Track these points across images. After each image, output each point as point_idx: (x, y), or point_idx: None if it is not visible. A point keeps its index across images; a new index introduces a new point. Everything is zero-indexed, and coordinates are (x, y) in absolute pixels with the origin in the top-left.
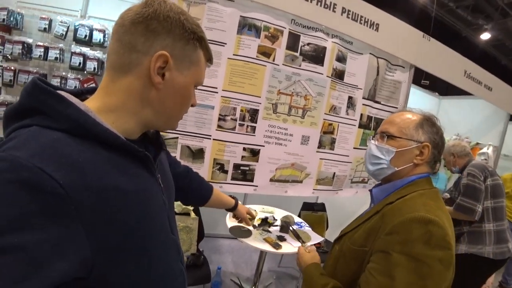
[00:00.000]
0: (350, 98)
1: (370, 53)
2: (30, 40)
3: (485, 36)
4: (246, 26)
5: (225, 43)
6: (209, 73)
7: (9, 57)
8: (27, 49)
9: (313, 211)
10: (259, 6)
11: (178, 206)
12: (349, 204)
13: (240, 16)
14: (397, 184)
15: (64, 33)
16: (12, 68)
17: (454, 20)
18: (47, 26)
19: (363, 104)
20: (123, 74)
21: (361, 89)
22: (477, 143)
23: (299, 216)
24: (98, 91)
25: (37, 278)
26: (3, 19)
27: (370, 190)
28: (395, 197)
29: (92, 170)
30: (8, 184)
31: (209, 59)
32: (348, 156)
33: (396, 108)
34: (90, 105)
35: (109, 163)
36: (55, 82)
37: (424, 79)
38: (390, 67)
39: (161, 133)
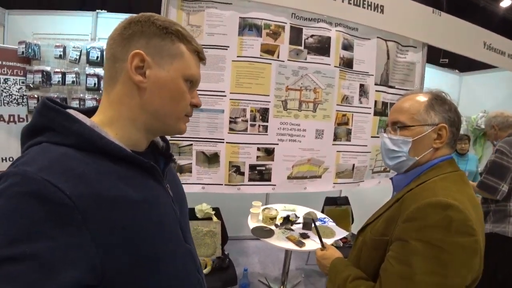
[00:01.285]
0: (361, 86)
1: (377, 37)
2: (48, 68)
3: (505, 3)
4: (247, 27)
5: (228, 46)
6: (215, 77)
7: (31, 86)
8: (47, 76)
9: (337, 206)
10: (257, 5)
11: (199, 211)
12: (374, 195)
13: (240, 17)
14: (418, 170)
15: (77, 57)
16: (35, 96)
17: None
18: (62, 53)
19: (376, 91)
20: (113, 86)
21: (372, 75)
22: None
23: (322, 211)
24: (100, 106)
25: (48, 285)
26: (22, 52)
27: (391, 179)
28: (416, 184)
29: (98, 181)
30: (18, 196)
31: (196, 51)
32: (366, 146)
33: (412, 90)
34: (95, 119)
35: (115, 174)
36: (74, 104)
37: (443, 58)
38: (401, 49)
39: (176, 141)
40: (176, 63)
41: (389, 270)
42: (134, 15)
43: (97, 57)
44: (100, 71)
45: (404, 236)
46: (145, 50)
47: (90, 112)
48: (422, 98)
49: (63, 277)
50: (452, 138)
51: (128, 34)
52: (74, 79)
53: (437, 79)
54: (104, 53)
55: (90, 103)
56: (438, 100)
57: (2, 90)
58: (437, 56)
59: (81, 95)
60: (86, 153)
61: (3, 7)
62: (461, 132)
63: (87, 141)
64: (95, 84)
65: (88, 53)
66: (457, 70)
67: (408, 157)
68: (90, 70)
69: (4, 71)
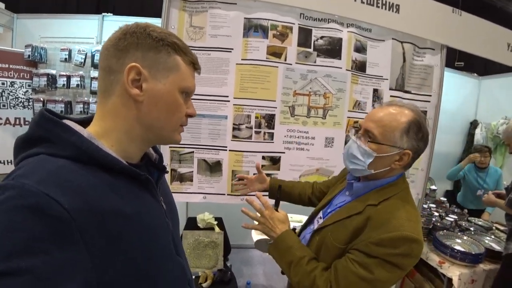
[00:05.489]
0: (375, 91)
1: (392, 39)
2: (53, 71)
3: None
4: (252, 28)
5: (232, 49)
6: (218, 81)
7: (37, 89)
8: (52, 80)
9: None
10: (263, 5)
11: (201, 221)
12: None
13: (244, 18)
14: (377, 184)
15: (82, 60)
16: (41, 99)
17: None
18: (67, 56)
19: (391, 96)
20: (108, 97)
21: (387, 79)
22: None
23: None
24: (95, 117)
25: None
26: (29, 55)
27: (351, 183)
28: (377, 199)
29: (95, 194)
30: (16, 209)
31: (192, 63)
32: None
33: (430, 96)
34: (91, 130)
35: (110, 187)
36: (79, 107)
37: (458, 60)
38: (418, 51)
39: (177, 149)
40: (172, 76)
41: (351, 269)
42: (129, 24)
43: None
44: None
45: (372, 253)
46: (141, 63)
47: (85, 122)
48: (403, 118)
49: None
50: (410, 163)
51: (123, 45)
52: (79, 82)
53: (454, 83)
54: (98, 62)
55: (94, 107)
56: (415, 127)
57: (9, 93)
58: (452, 59)
59: (86, 98)
60: (83, 165)
61: (11, 11)
62: (481, 140)
63: (84, 154)
64: None
65: (93, 56)
66: (475, 74)
67: (366, 169)
68: (95, 73)
69: (11, 74)
